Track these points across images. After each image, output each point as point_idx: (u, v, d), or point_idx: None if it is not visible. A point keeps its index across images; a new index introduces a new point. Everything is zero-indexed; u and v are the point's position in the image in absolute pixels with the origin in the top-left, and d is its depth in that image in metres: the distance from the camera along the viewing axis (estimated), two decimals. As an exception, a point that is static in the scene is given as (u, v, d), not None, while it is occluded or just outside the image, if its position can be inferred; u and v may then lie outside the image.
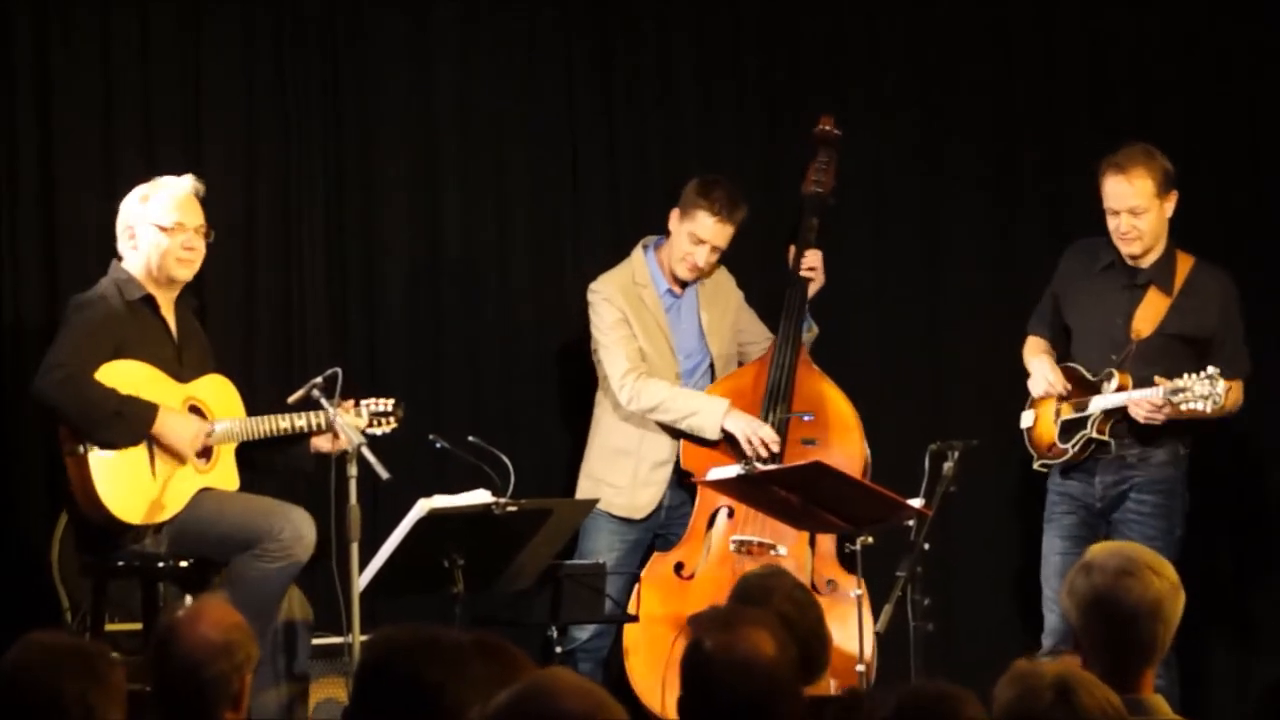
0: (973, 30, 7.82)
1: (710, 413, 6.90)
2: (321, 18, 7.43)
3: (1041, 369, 6.79)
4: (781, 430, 6.89)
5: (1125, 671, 3.90)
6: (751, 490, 6.47)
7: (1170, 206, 6.74)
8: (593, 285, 7.12)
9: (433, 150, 7.55)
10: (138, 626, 6.40)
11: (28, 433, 6.93)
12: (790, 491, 6.25)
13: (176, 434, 6.15)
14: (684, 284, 7.11)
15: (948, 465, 6.26)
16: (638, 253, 7.15)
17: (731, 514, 6.87)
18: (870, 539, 6.21)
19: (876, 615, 6.04)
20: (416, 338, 7.47)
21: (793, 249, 7.12)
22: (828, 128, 7.26)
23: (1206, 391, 6.41)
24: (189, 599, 4.97)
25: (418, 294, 7.51)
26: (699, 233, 7.00)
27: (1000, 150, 7.80)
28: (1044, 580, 6.77)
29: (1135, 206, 6.68)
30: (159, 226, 6.27)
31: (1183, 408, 6.44)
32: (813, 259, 7.11)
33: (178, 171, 6.56)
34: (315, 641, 6.52)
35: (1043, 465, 6.80)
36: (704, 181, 7.04)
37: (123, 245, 6.33)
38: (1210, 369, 6.44)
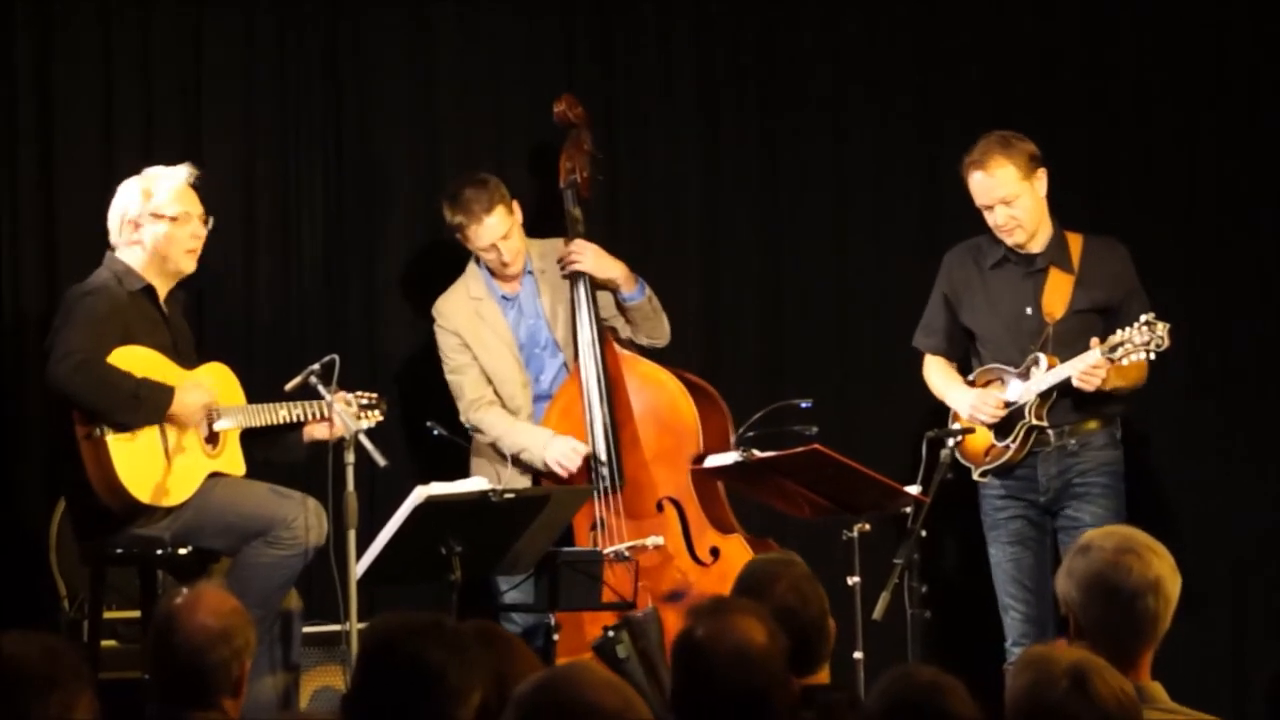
0: (973, 25, 7.81)
1: (536, 446, 6.88)
2: (322, 14, 7.43)
3: (968, 399, 6.66)
4: (611, 430, 6.87)
5: (1125, 655, 3.89)
6: (749, 477, 6.47)
7: (1041, 185, 6.67)
8: (433, 308, 7.07)
9: (432, 142, 7.55)
10: (136, 614, 6.41)
11: (26, 421, 6.93)
12: (788, 478, 6.26)
13: (189, 411, 6.15)
14: (514, 277, 7.04)
15: (945, 452, 6.25)
16: (471, 266, 7.08)
17: (593, 527, 6.85)
18: (867, 526, 6.21)
19: (874, 603, 6.03)
20: (415, 325, 7.47)
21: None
22: (562, 109, 7.15)
23: (1146, 338, 6.35)
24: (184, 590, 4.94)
25: (416, 282, 7.51)
26: (480, 243, 6.94)
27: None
28: (998, 588, 6.69)
29: (1004, 196, 6.63)
30: (166, 217, 6.27)
31: (1124, 361, 6.38)
32: (571, 251, 7.00)
33: (176, 155, 6.56)
34: (313, 629, 6.54)
35: (983, 474, 6.67)
36: (447, 202, 6.97)
37: (120, 238, 6.31)
38: (1145, 316, 6.39)
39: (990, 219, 6.70)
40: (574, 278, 6.99)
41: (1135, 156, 7.70)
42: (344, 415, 6.16)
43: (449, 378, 7.01)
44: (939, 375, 6.87)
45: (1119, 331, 6.41)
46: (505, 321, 7.04)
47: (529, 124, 7.57)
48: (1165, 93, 7.81)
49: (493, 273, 7.05)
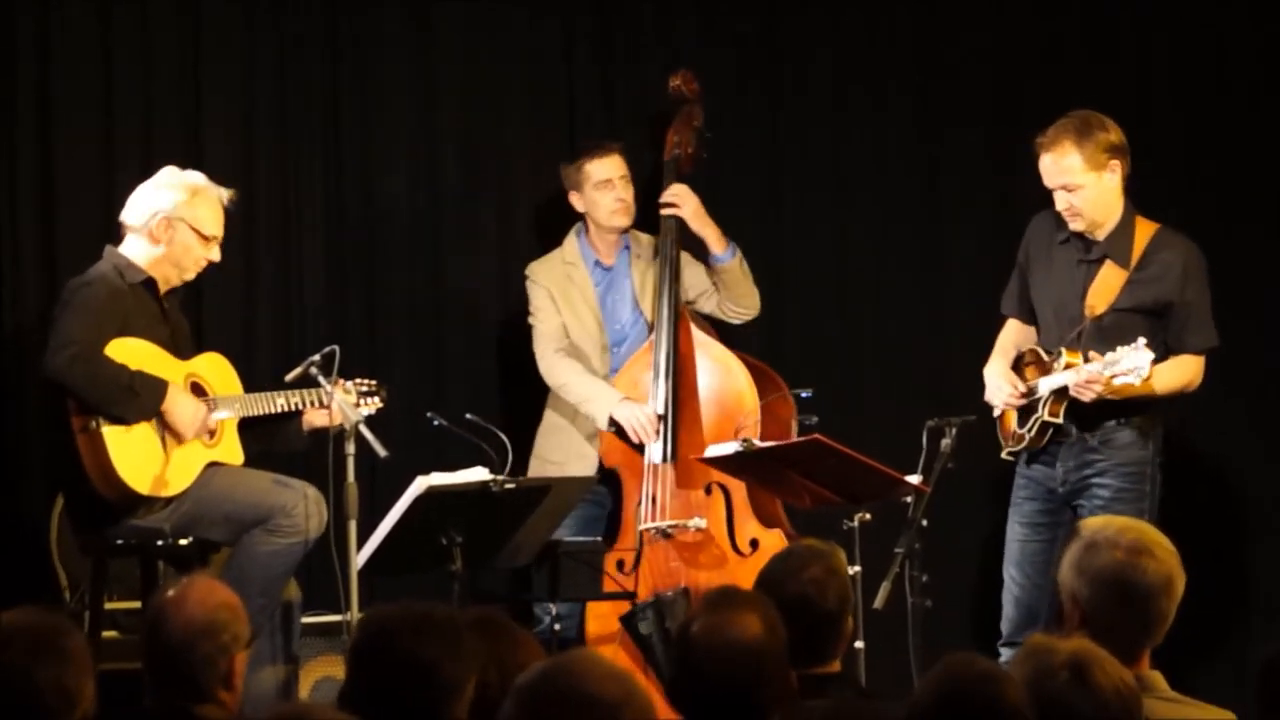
0: (974, 25, 7.80)
1: (602, 403, 6.94)
2: (322, 12, 7.44)
3: (991, 379, 6.54)
4: (673, 406, 6.91)
5: (1131, 649, 3.90)
6: (750, 466, 6.46)
7: (1113, 176, 6.37)
8: (527, 269, 7.20)
9: (432, 141, 7.56)
10: (137, 604, 6.41)
11: (27, 411, 6.93)
12: (789, 467, 6.25)
13: (181, 415, 6.15)
14: (621, 230, 7.14)
15: (945, 441, 6.21)
16: (569, 236, 7.22)
17: (640, 503, 6.88)
18: (868, 515, 6.20)
19: (875, 592, 6.02)
20: (415, 316, 7.48)
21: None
22: (678, 83, 7.25)
23: (1133, 364, 6.09)
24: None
25: (416, 273, 7.52)
26: (600, 176, 7.08)
27: (1000, 131, 7.77)
28: (1004, 566, 6.57)
29: (1065, 183, 6.37)
30: (201, 234, 6.29)
31: (1116, 382, 6.14)
32: (673, 194, 7.10)
33: (177, 152, 6.55)
34: (314, 620, 6.54)
35: (1009, 453, 6.55)
36: (566, 164, 7.18)
37: (142, 223, 6.29)
38: (1140, 339, 6.12)
39: (1056, 200, 6.45)
40: (667, 232, 7.06)
41: (1136, 156, 7.65)
42: (344, 405, 6.16)
43: (533, 323, 7.12)
44: (998, 343, 6.67)
45: (1119, 349, 6.15)
46: (594, 290, 7.14)
47: (530, 124, 7.57)
48: (1165, 93, 7.79)
49: (589, 247, 7.17)
